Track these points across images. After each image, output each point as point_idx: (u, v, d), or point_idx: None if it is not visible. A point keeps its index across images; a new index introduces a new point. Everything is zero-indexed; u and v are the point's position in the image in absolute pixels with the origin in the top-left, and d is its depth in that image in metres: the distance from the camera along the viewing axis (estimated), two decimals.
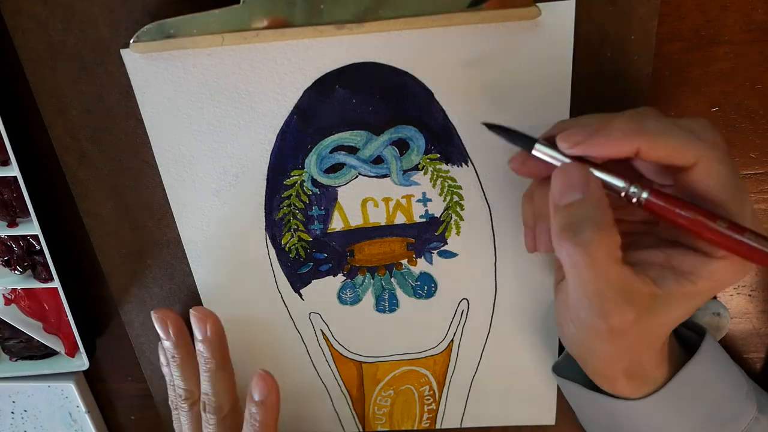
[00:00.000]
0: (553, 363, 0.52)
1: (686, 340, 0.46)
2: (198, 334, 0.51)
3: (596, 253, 0.33)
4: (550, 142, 0.37)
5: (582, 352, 0.41)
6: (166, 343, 0.52)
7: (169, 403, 0.56)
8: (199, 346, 0.51)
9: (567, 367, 0.50)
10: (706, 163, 0.32)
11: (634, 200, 0.34)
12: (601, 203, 0.34)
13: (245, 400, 0.50)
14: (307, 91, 0.45)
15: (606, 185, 0.35)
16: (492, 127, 0.39)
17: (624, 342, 0.37)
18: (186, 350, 0.53)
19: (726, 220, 0.32)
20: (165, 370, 0.55)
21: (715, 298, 0.53)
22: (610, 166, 0.36)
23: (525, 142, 0.38)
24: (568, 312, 0.39)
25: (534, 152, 0.37)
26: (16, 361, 0.59)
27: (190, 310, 0.51)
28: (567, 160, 0.36)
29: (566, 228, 0.34)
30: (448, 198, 0.48)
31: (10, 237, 0.52)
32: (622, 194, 0.35)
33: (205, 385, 0.52)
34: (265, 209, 0.49)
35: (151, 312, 0.52)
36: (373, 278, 0.52)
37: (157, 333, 0.54)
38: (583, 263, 0.33)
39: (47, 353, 0.59)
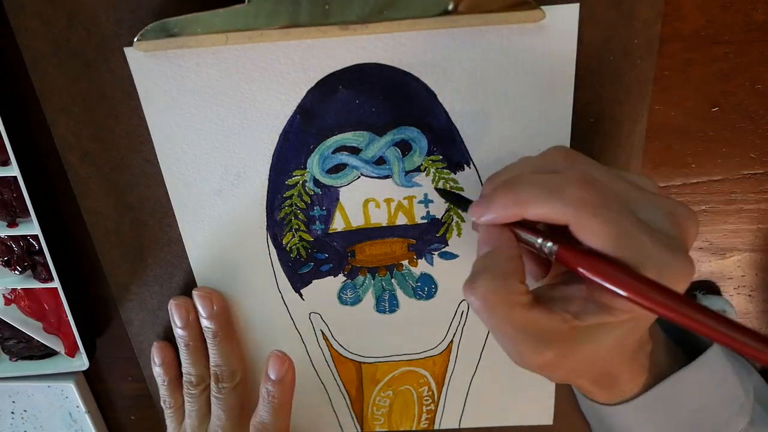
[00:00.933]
0: None
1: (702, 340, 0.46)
2: (204, 312, 0.53)
3: (490, 300, 0.35)
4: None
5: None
6: (181, 332, 0.53)
7: (162, 403, 0.56)
8: (206, 323, 0.53)
9: None
10: (575, 222, 0.33)
11: (549, 255, 0.35)
12: (505, 254, 0.36)
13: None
14: (311, 91, 0.45)
15: (524, 242, 0.37)
16: (440, 191, 0.47)
17: (562, 371, 0.37)
18: (199, 335, 0.54)
19: (613, 272, 0.33)
20: (158, 370, 0.56)
21: (720, 295, 0.53)
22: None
23: (464, 206, 0.43)
24: None
25: (467, 215, 0.41)
26: (16, 361, 0.59)
27: (193, 291, 0.53)
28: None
29: (468, 279, 0.36)
30: None
31: (10, 237, 0.52)
32: (539, 249, 0.36)
33: (216, 358, 0.53)
34: (266, 209, 0.49)
35: (172, 300, 0.54)
36: (373, 279, 0.52)
37: (155, 335, 0.54)
38: (481, 310, 0.35)
39: (47, 353, 0.59)
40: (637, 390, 0.42)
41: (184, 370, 0.54)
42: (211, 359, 0.54)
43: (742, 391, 0.44)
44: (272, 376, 0.51)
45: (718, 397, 0.43)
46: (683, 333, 0.48)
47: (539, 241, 0.35)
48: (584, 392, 0.44)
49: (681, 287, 0.33)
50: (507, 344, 0.36)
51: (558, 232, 0.35)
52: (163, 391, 0.56)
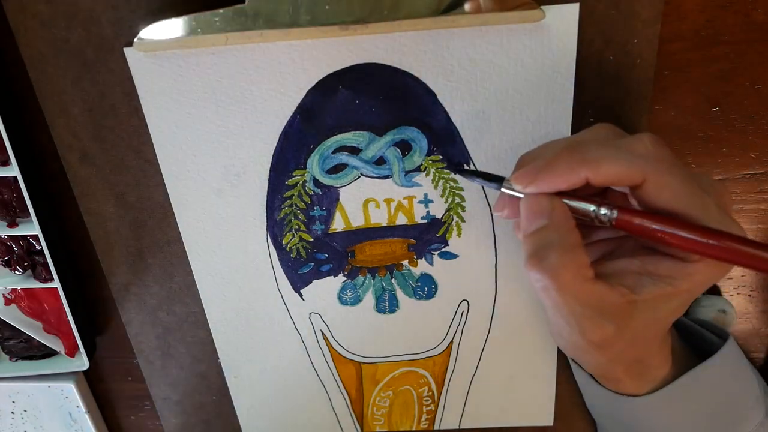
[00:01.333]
0: (551, 363, 0.53)
1: (708, 342, 0.46)
2: None
3: (563, 276, 0.34)
4: None
5: (578, 360, 0.42)
6: None
7: None
8: None
9: None
10: (653, 179, 0.33)
11: (606, 222, 0.35)
12: (566, 226, 0.35)
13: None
14: (311, 92, 0.45)
15: (576, 211, 0.36)
16: (463, 171, 0.44)
17: (613, 350, 0.37)
18: None
19: (691, 226, 0.33)
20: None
21: (720, 294, 0.53)
22: (583, 190, 0.36)
23: (495, 181, 0.39)
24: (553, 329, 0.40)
25: (503, 190, 0.38)
26: (16, 361, 0.59)
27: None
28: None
29: (533, 255, 0.35)
30: (450, 199, 0.48)
31: (10, 237, 0.52)
32: (593, 218, 0.35)
33: None
34: (266, 209, 0.49)
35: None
36: (373, 279, 0.52)
37: (154, 336, 0.54)
38: (552, 287, 0.34)
39: (47, 353, 0.59)
40: (663, 380, 0.42)
41: None
42: None
43: (758, 384, 0.44)
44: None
45: (738, 389, 0.43)
46: (684, 334, 0.48)
47: (592, 208, 0.35)
48: (613, 383, 0.43)
49: None
50: (572, 321, 0.36)
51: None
52: None
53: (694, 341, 0.46)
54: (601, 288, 0.35)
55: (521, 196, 0.37)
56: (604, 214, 0.34)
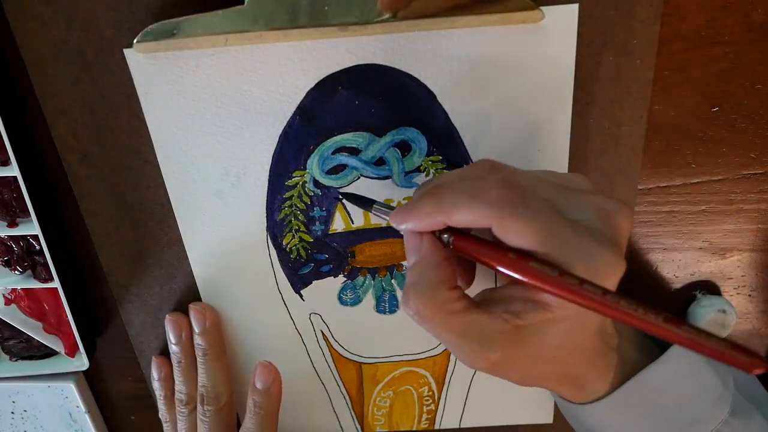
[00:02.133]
0: None
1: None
2: (197, 327, 0.53)
3: (425, 312, 0.36)
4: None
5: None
6: (174, 348, 0.54)
7: (160, 416, 0.57)
8: (198, 340, 0.53)
9: None
10: (496, 224, 0.34)
11: (448, 245, 0.37)
12: (430, 263, 0.36)
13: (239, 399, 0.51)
14: (310, 93, 0.45)
15: (441, 239, 0.37)
16: (345, 195, 0.48)
17: (516, 372, 0.38)
18: (191, 353, 0.54)
19: (507, 260, 0.34)
20: (156, 384, 0.56)
21: (720, 294, 0.53)
22: None
23: (367, 204, 0.44)
24: None
25: (373, 213, 0.43)
26: (16, 361, 0.59)
27: (190, 306, 0.53)
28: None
29: (404, 292, 0.37)
30: None
31: (10, 237, 0.52)
32: (443, 240, 0.37)
33: (203, 378, 0.53)
34: (266, 210, 0.49)
35: (168, 315, 0.54)
36: (373, 279, 0.52)
37: (155, 336, 0.54)
38: (420, 321, 0.36)
39: (47, 353, 0.59)
40: (608, 388, 0.42)
41: (176, 388, 0.55)
42: (199, 379, 0.54)
43: (719, 381, 0.44)
44: (258, 386, 0.51)
45: (693, 390, 0.43)
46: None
47: (438, 233, 0.36)
48: (557, 394, 0.44)
49: (611, 281, 0.33)
50: (453, 350, 0.37)
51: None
52: (161, 406, 0.56)
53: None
54: (476, 317, 0.36)
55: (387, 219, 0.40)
56: (445, 238, 0.37)
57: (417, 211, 0.36)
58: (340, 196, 0.48)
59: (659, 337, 0.31)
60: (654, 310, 0.31)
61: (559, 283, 0.32)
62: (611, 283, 0.33)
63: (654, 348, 0.44)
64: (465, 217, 0.34)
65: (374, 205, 0.43)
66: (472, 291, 0.40)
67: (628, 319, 0.31)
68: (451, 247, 0.36)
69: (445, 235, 0.36)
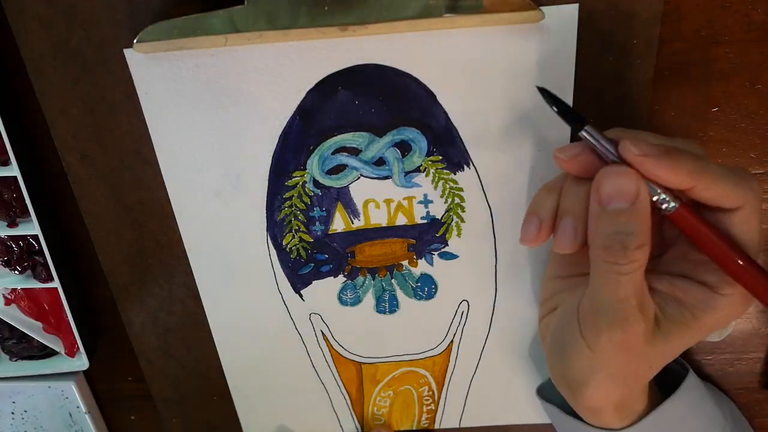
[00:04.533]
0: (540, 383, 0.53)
1: (669, 373, 0.47)
2: None
3: (636, 267, 0.34)
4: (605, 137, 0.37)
5: (582, 376, 0.40)
6: None
7: None
8: None
9: (551, 390, 0.50)
10: (747, 210, 0.34)
11: (663, 207, 0.35)
12: (646, 217, 0.34)
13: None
14: (310, 93, 0.45)
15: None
16: (544, 92, 0.39)
17: (628, 362, 0.37)
18: None
19: (747, 257, 0.34)
20: None
21: None
22: None
23: (573, 120, 0.37)
24: (578, 328, 0.39)
25: (583, 133, 0.37)
26: (16, 361, 0.59)
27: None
28: (614, 159, 0.36)
29: (615, 237, 0.34)
30: (450, 200, 0.48)
31: (10, 237, 0.52)
32: (654, 199, 0.35)
33: None
34: (266, 210, 0.49)
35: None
36: (373, 279, 0.52)
37: (155, 336, 0.54)
38: (624, 271, 0.34)
39: (47, 353, 0.59)
40: (639, 413, 0.42)
41: None
42: None
43: (721, 414, 0.44)
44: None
45: (705, 421, 0.43)
46: None
47: (663, 196, 0.35)
48: (593, 420, 0.43)
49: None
50: (618, 304, 0.35)
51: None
52: None
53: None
54: (645, 288, 0.36)
55: (608, 157, 0.36)
56: (665, 200, 0.34)
57: (676, 163, 0.34)
58: (543, 92, 0.39)
59: None
60: None
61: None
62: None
63: (653, 387, 0.45)
64: (721, 190, 0.34)
65: (586, 127, 0.37)
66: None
67: None
68: (669, 213, 0.34)
69: (667, 199, 0.34)
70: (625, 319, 0.35)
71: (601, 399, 0.41)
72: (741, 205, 0.34)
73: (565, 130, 0.45)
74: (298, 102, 0.45)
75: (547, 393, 0.51)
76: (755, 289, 0.33)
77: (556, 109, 0.38)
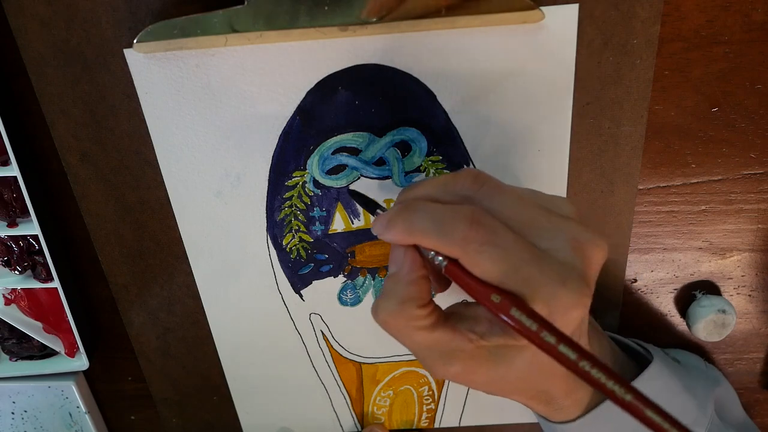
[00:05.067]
0: None
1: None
2: None
3: (393, 324, 0.36)
4: None
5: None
6: None
7: None
8: None
9: None
10: (463, 258, 0.34)
11: (440, 269, 0.36)
12: (407, 278, 0.36)
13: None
14: (310, 93, 0.45)
15: (422, 254, 0.37)
16: (353, 193, 0.46)
17: (479, 383, 0.38)
18: None
19: (500, 296, 0.33)
20: None
21: (720, 294, 0.53)
22: None
23: (372, 209, 0.43)
24: None
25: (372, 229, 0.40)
26: (16, 361, 0.59)
27: None
28: None
29: (375, 300, 0.38)
30: None
31: (10, 237, 0.52)
32: (430, 256, 0.36)
33: None
34: (266, 210, 0.49)
35: None
36: (373, 279, 0.52)
37: (155, 336, 0.54)
38: (387, 331, 0.37)
39: (47, 353, 0.59)
40: (580, 408, 0.42)
41: None
42: None
43: (695, 405, 0.44)
44: None
45: (671, 410, 0.43)
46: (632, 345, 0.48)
47: (432, 254, 0.36)
48: (528, 408, 0.44)
49: (571, 316, 0.33)
50: (417, 357, 0.38)
51: None
52: None
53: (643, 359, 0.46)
54: (440, 335, 0.36)
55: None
56: (439, 261, 0.35)
57: (390, 227, 0.36)
58: (348, 192, 0.48)
59: (626, 411, 0.31)
60: (625, 385, 0.31)
61: (536, 337, 0.32)
62: (570, 318, 0.33)
63: (632, 369, 0.44)
64: (432, 244, 0.35)
65: (377, 210, 0.42)
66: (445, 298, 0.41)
67: (597, 387, 0.32)
68: (443, 271, 0.36)
69: (439, 258, 0.35)
70: (430, 368, 0.38)
71: (519, 401, 0.42)
72: (456, 256, 0.34)
73: (565, 130, 0.45)
74: (298, 102, 0.45)
75: None
76: (525, 337, 0.33)
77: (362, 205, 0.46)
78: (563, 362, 0.32)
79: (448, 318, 0.37)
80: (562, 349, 0.32)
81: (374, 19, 0.40)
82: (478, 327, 0.36)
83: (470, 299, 0.36)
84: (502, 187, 0.36)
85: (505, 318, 0.33)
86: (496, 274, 0.33)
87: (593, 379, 0.31)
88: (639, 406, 0.31)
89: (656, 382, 0.43)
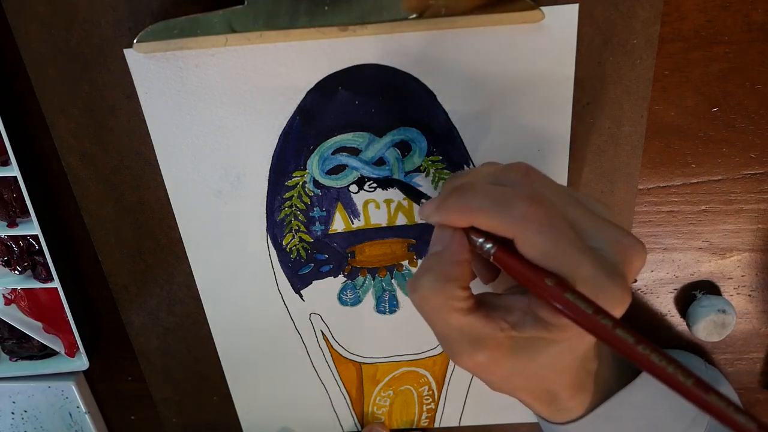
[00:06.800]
0: None
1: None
2: None
3: (431, 301, 0.35)
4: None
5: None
6: None
7: None
8: None
9: None
10: (520, 238, 0.34)
11: (488, 255, 0.36)
12: (452, 259, 0.36)
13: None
14: (310, 93, 0.45)
15: (471, 240, 0.37)
16: (392, 182, 0.46)
17: (497, 377, 0.38)
18: None
19: (554, 280, 0.33)
20: None
21: (720, 294, 0.53)
22: None
23: (416, 197, 0.43)
24: None
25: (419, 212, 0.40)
26: (16, 361, 0.59)
27: None
28: None
29: (414, 275, 0.37)
30: None
31: (10, 237, 0.52)
32: (479, 248, 0.36)
33: None
34: (266, 210, 0.49)
35: None
36: (373, 279, 0.52)
37: (155, 336, 0.54)
38: (419, 309, 0.36)
39: (47, 353, 0.59)
40: (582, 409, 0.42)
41: None
42: None
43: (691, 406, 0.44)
44: None
45: (666, 413, 0.43)
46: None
47: (480, 240, 0.36)
48: (528, 407, 0.44)
49: (614, 312, 0.33)
50: (443, 342, 0.37)
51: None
52: None
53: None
54: (474, 320, 0.36)
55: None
56: (488, 247, 0.35)
57: (444, 208, 0.36)
58: (391, 181, 0.48)
59: (685, 398, 0.31)
60: (684, 372, 0.31)
61: (592, 321, 0.32)
62: (614, 314, 0.33)
63: (631, 371, 0.44)
64: (489, 223, 0.34)
65: (421, 199, 0.42)
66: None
67: (656, 373, 0.31)
68: (492, 258, 0.35)
69: (488, 245, 0.35)
70: (454, 355, 0.37)
71: (523, 400, 0.41)
72: (512, 235, 0.34)
73: (565, 130, 0.45)
74: (298, 102, 0.45)
75: None
76: (569, 315, 0.33)
77: (400, 191, 0.45)
78: (620, 347, 0.31)
79: (480, 306, 0.37)
80: (619, 333, 0.31)
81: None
82: (510, 317, 0.36)
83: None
84: (551, 181, 0.37)
85: (557, 303, 0.32)
86: (550, 257, 0.33)
87: (652, 363, 0.31)
88: (699, 393, 0.30)
89: (656, 382, 0.43)
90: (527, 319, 0.36)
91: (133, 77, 0.45)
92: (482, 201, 0.35)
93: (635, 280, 0.54)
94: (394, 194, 0.48)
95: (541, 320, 0.35)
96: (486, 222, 0.34)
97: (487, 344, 0.36)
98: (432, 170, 0.47)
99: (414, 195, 0.43)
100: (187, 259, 0.52)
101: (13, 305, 0.56)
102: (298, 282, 0.52)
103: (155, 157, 0.48)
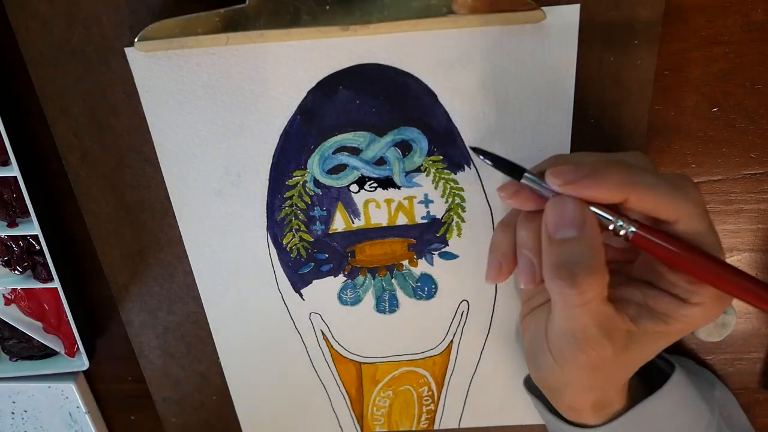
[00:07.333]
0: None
1: (657, 369, 0.47)
2: None
3: (588, 293, 0.33)
4: (541, 173, 0.36)
5: (556, 385, 0.41)
6: None
7: None
8: None
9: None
10: (686, 220, 0.33)
11: (622, 233, 0.34)
12: (596, 243, 0.34)
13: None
14: (311, 92, 0.45)
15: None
16: (480, 152, 0.38)
17: (599, 375, 0.38)
18: None
19: (714, 258, 0.33)
20: None
21: None
22: None
23: (513, 171, 0.37)
24: (546, 344, 0.39)
25: (523, 181, 0.36)
26: (16, 361, 0.59)
27: None
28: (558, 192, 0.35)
29: (562, 267, 0.34)
30: (450, 200, 0.48)
31: (10, 237, 0.52)
32: (610, 227, 0.34)
33: None
34: (266, 209, 0.49)
35: None
36: (373, 279, 0.52)
37: (154, 336, 0.54)
38: (577, 302, 0.34)
39: (47, 353, 0.59)
40: (619, 409, 0.42)
41: None
42: None
43: (707, 409, 0.44)
44: None
45: (688, 418, 0.43)
46: None
47: (613, 219, 0.34)
48: (575, 414, 0.43)
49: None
50: (580, 335, 0.35)
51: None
52: None
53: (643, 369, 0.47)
54: (611, 311, 0.35)
55: (547, 193, 0.36)
56: (621, 226, 0.34)
57: (602, 178, 0.33)
58: (481, 157, 0.39)
59: None
60: None
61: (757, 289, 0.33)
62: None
63: (638, 382, 0.45)
64: (660, 200, 0.33)
65: (525, 174, 0.37)
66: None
67: None
68: (629, 238, 0.34)
69: (624, 225, 0.34)
70: (588, 346, 0.35)
71: (576, 402, 0.41)
72: (677, 218, 0.33)
73: (565, 130, 0.45)
74: (299, 101, 0.45)
75: (533, 384, 0.51)
76: (732, 290, 0.33)
77: (491, 163, 0.38)
78: None
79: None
80: None
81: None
82: (628, 310, 0.36)
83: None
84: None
85: (724, 283, 0.33)
86: (705, 242, 0.34)
87: None
88: None
89: (677, 392, 0.43)
90: (643, 312, 0.35)
91: (134, 76, 0.45)
92: (649, 178, 0.33)
93: None
94: (395, 194, 0.48)
95: (657, 313, 0.35)
96: (656, 200, 0.33)
97: (614, 337, 0.35)
98: (432, 170, 0.47)
99: (507, 167, 0.37)
100: (188, 258, 0.52)
101: (13, 305, 0.56)
102: (298, 281, 0.52)
103: (156, 156, 0.48)
